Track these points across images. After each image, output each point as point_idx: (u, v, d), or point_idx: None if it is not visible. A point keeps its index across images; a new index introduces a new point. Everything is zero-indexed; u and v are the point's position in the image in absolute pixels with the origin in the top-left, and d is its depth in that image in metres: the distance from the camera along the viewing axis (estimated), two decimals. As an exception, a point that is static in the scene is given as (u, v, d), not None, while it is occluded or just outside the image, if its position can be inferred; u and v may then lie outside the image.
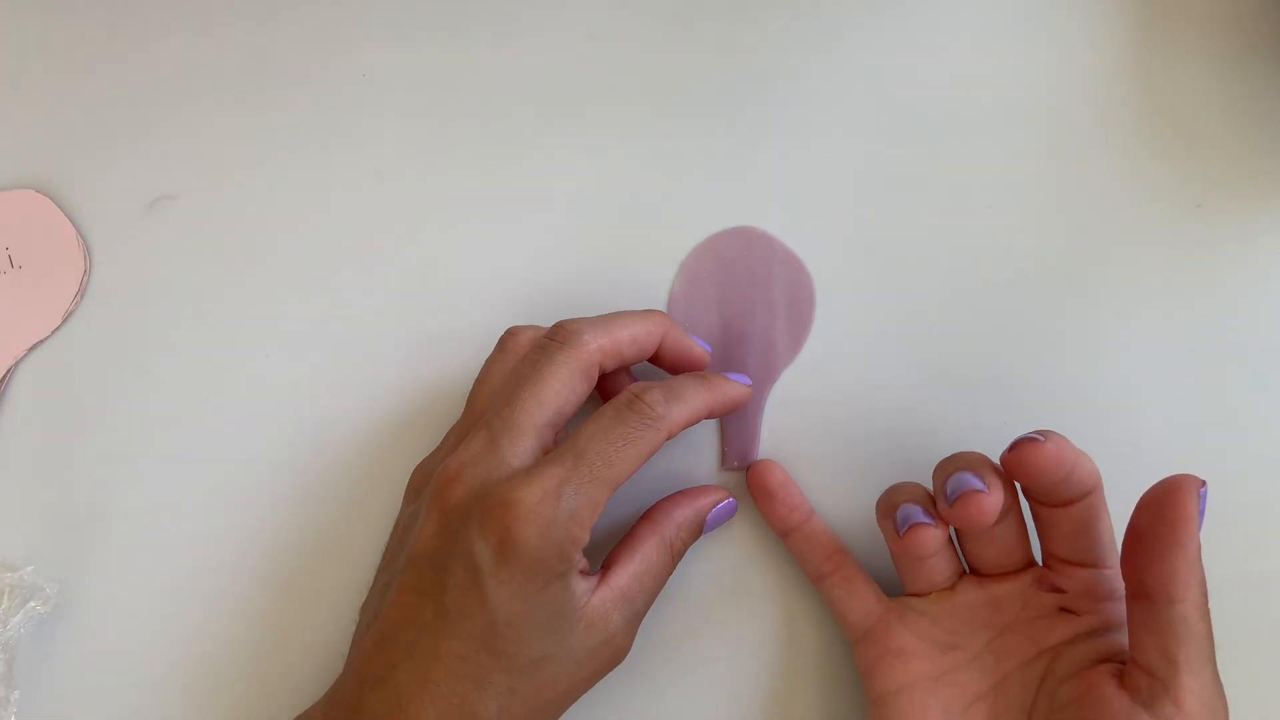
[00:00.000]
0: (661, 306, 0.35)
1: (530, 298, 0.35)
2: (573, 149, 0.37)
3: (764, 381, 0.35)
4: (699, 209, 0.36)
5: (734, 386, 0.32)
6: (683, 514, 0.32)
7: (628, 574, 0.30)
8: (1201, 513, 0.27)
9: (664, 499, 0.33)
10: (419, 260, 0.36)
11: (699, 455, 0.34)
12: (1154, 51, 0.36)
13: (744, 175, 0.36)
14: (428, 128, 0.37)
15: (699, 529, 0.32)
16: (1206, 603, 0.27)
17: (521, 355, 0.31)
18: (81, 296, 0.36)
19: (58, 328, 0.36)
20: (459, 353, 0.35)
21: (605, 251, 0.36)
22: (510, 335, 0.32)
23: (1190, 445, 0.33)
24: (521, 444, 0.28)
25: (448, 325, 0.35)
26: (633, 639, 0.30)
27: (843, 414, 0.34)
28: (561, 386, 0.29)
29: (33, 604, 0.31)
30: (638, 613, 0.30)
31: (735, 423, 0.34)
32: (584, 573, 0.29)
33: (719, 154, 0.36)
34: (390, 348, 0.36)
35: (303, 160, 0.37)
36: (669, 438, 0.29)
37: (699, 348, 0.33)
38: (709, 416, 0.31)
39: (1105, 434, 0.33)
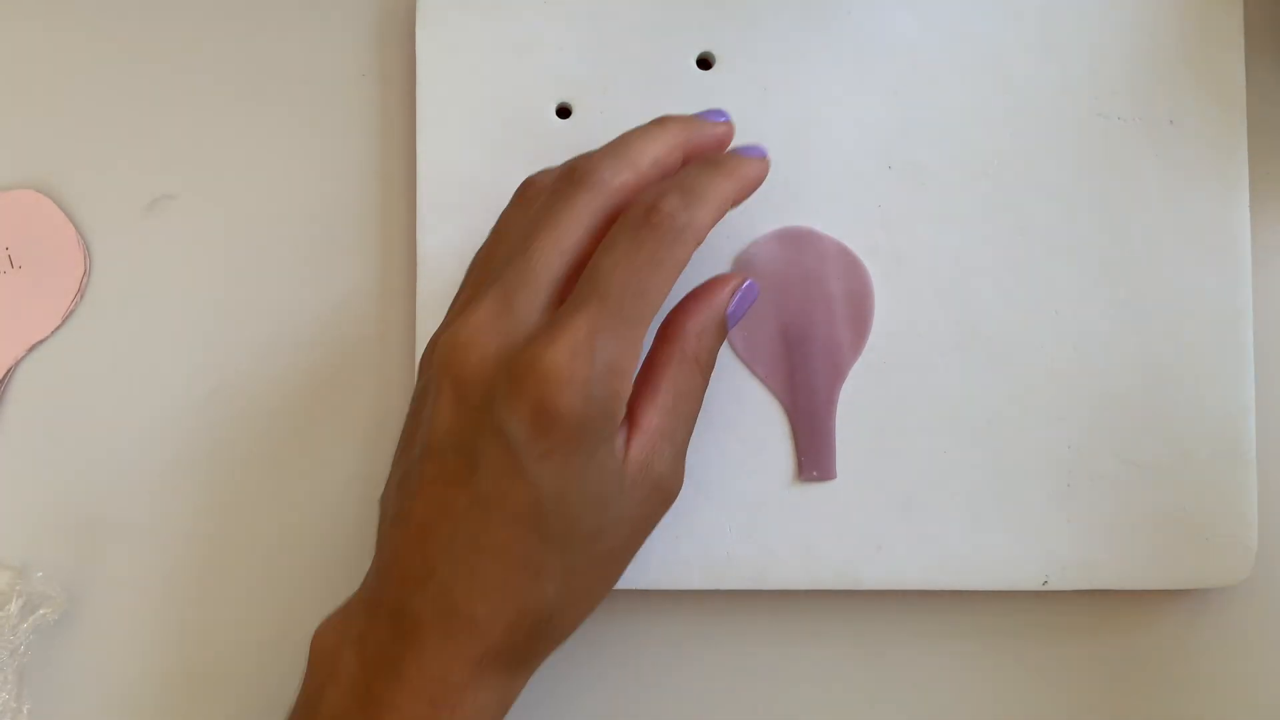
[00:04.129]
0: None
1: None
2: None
3: (833, 382, 0.34)
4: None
5: (751, 164, 0.28)
6: (699, 321, 0.28)
7: (659, 411, 0.27)
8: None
9: (674, 309, 0.29)
10: (420, 259, 0.36)
11: (767, 467, 0.34)
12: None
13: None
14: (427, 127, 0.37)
15: (723, 329, 0.29)
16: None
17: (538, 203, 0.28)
18: (81, 296, 0.36)
19: (58, 328, 0.35)
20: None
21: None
22: (527, 184, 0.29)
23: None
24: (539, 299, 0.25)
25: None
26: (682, 473, 0.28)
27: (912, 408, 0.34)
28: (584, 233, 0.26)
29: (42, 611, 0.31)
30: (680, 447, 0.28)
31: (807, 428, 0.34)
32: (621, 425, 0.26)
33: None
34: (389, 347, 0.36)
35: (302, 160, 0.37)
36: (698, 245, 0.26)
37: (721, 125, 0.29)
38: (735, 205, 0.28)
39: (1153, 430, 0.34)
